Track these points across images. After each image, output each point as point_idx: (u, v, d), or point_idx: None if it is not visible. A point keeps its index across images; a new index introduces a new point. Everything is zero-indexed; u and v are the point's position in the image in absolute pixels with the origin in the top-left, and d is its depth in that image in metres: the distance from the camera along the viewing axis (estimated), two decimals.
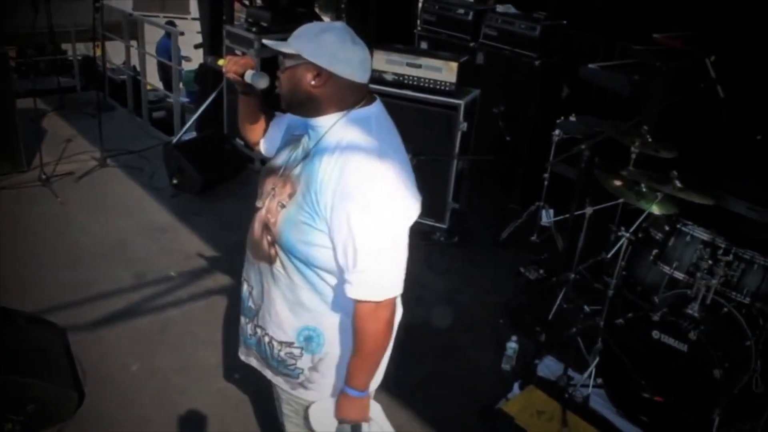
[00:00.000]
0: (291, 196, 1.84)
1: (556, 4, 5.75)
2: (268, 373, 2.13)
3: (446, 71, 4.56)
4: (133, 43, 6.99)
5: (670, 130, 4.10)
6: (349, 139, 1.81)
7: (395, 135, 1.93)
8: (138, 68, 7.16)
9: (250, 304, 2.11)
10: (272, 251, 1.92)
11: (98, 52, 7.23)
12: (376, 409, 2.03)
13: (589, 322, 3.66)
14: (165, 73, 9.06)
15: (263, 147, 2.23)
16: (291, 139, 2.02)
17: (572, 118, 4.60)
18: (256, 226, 1.98)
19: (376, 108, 1.90)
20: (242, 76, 1.99)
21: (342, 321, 1.94)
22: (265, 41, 1.94)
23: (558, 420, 3.30)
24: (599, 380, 3.49)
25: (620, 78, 4.71)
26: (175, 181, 5.44)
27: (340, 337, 1.97)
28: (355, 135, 1.81)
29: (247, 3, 6.47)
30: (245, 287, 2.13)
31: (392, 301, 1.83)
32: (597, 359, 3.50)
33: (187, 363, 3.54)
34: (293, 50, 1.80)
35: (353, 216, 1.72)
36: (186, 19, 13.16)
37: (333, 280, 1.89)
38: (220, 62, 2.06)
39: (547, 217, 4.85)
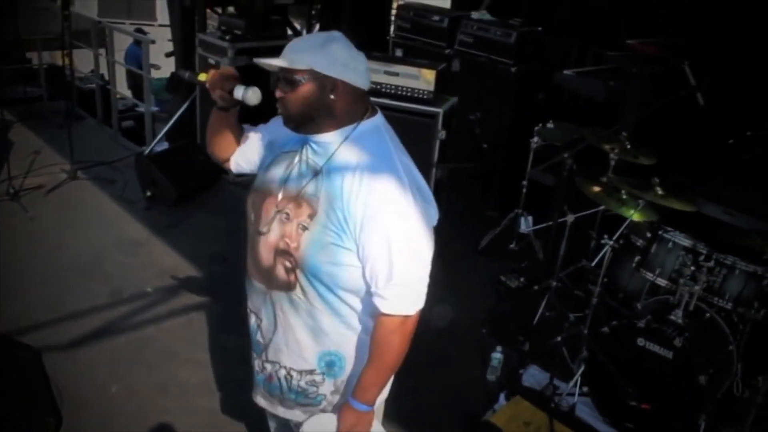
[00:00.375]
0: (312, 216, 1.77)
1: (530, 10, 5.77)
2: (280, 410, 2.07)
3: (424, 79, 4.52)
4: (102, 51, 6.82)
5: (648, 136, 4.13)
6: (368, 152, 1.77)
7: (401, 145, 1.91)
8: (107, 77, 7.02)
9: (258, 338, 2.02)
10: (291, 278, 1.84)
11: (67, 61, 7.07)
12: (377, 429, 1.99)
13: (574, 330, 3.66)
14: (134, 81, 8.89)
15: (235, 163, 2.12)
16: (280, 156, 1.93)
17: (550, 125, 4.62)
18: (264, 254, 1.88)
19: (381, 118, 1.88)
20: (230, 92, 1.89)
21: (361, 340, 1.91)
22: (258, 61, 1.82)
23: (545, 430, 3.28)
24: (585, 388, 3.49)
25: (596, 84, 4.74)
26: (148, 194, 5.33)
27: (361, 358, 1.92)
28: (372, 148, 1.78)
29: (219, 11, 6.37)
30: (253, 320, 2.03)
31: (419, 314, 1.81)
32: (582, 367, 3.50)
33: (168, 382, 3.46)
34: (303, 65, 1.73)
35: (387, 230, 1.70)
36: (152, 25, 12.99)
37: (355, 302, 1.85)
38: (202, 77, 1.94)
39: (525, 224, 4.85)
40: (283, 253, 1.82)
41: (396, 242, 1.71)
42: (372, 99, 4.54)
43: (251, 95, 1.86)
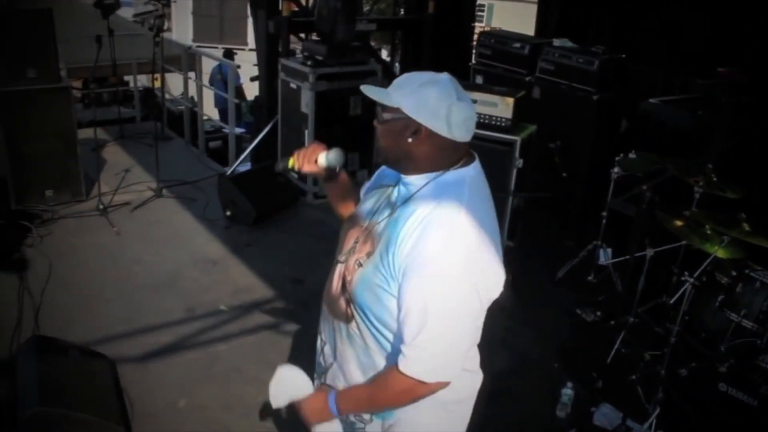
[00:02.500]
0: (369, 255, 1.74)
1: (613, 37, 5.63)
2: None
3: (502, 106, 4.48)
4: (192, 75, 7.12)
5: (736, 169, 3.92)
6: (436, 202, 1.67)
7: (488, 202, 1.79)
8: (196, 99, 7.30)
9: (321, 359, 2.01)
10: (349, 311, 1.81)
11: (157, 84, 7.42)
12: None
13: (650, 370, 3.49)
14: (221, 104, 9.23)
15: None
16: (379, 187, 1.90)
17: (632, 155, 4.46)
18: (335, 282, 1.86)
19: (474, 170, 1.75)
20: (316, 162, 1.92)
21: None
22: (364, 88, 1.77)
23: None
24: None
25: (682, 113, 4.57)
26: (228, 213, 5.48)
27: (414, 407, 1.82)
28: (443, 199, 1.67)
29: (303, 36, 6.53)
30: (319, 341, 2.02)
31: (439, 386, 1.71)
32: (658, 409, 3.32)
33: (233, 400, 3.50)
34: (394, 103, 1.68)
35: (421, 289, 1.62)
36: (243, 49, 13.46)
37: None
38: (291, 163, 1.98)
39: (604, 256, 4.68)
40: (344, 284, 1.81)
41: (428, 305, 1.62)
42: None
43: (333, 157, 1.89)
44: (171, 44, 7.48)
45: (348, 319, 1.82)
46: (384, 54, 7.61)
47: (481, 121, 4.52)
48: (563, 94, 5.21)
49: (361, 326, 1.79)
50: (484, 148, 4.51)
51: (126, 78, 9.10)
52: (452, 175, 1.72)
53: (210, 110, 8.76)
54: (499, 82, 5.33)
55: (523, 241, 4.84)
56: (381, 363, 1.81)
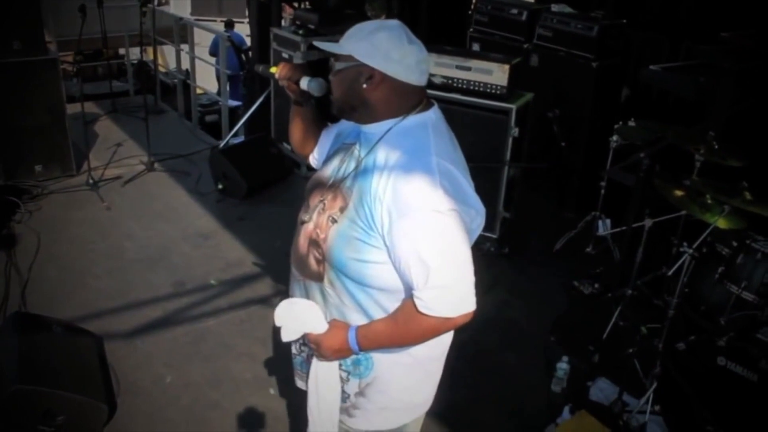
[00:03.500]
0: (342, 210, 1.71)
1: (615, 2, 5.46)
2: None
3: (497, 74, 4.34)
4: (185, 47, 6.97)
5: (738, 137, 3.80)
6: (404, 148, 1.66)
7: (453, 143, 1.77)
8: (194, 72, 7.16)
9: None
10: (321, 269, 1.78)
11: (150, 56, 7.28)
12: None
13: (648, 343, 3.40)
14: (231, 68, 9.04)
15: (314, 158, 2.11)
16: (341, 148, 1.88)
17: (631, 123, 4.33)
18: (301, 241, 1.83)
19: (434, 114, 1.75)
20: (297, 83, 1.88)
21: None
22: (315, 42, 1.82)
23: None
24: (657, 407, 3.22)
25: (685, 80, 4.41)
26: (220, 186, 5.38)
27: (389, 361, 1.82)
28: (409, 145, 1.67)
29: (295, 5, 6.37)
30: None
31: (465, 317, 1.66)
32: (655, 384, 3.23)
33: (221, 376, 3.44)
34: (345, 51, 1.68)
35: (415, 233, 1.59)
36: (242, 22, 13.25)
37: (386, 301, 1.74)
38: (273, 69, 1.95)
39: (603, 227, 4.58)
40: (314, 243, 1.77)
41: (424, 245, 1.59)
42: (442, 94, 4.44)
43: (315, 86, 1.84)
44: (163, 16, 7.31)
45: (320, 277, 1.79)
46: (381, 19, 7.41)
47: (475, 89, 4.40)
48: (562, 62, 5.06)
49: (336, 283, 1.76)
50: (479, 116, 4.41)
51: (122, 52, 8.99)
52: (413, 119, 1.71)
53: (208, 83, 8.59)
54: (496, 50, 5.18)
55: (520, 212, 4.73)
56: (354, 319, 1.78)
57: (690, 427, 3.07)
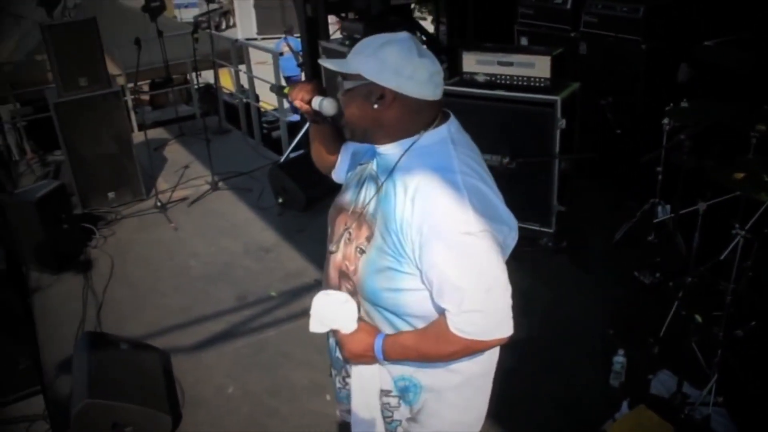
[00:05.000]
0: (369, 239, 1.64)
1: None
2: None
3: (540, 66, 4.29)
4: (242, 67, 7.21)
5: None
6: (426, 168, 1.58)
7: (474, 153, 1.70)
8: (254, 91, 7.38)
9: (338, 354, 1.90)
10: (355, 300, 1.73)
11: (225, 81, 7.50)
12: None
13: (708, 332, 3.27)
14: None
15: (335, 177, 2.04)
16: (358, 169, 1.82)
17: (684, 104, 4.17)
18: (332, 273, 1.78)
19: (452, 126, 1.67)
20: (309, 103, 1.80)
21: (438, 373, 1.76)
22: (320, 61, 1.75)
23: None
24: (721, 398, 3.10)
25: (740, 55, 4.22)
26: (280, 200, 5.53)
27: (438, 385, 1.79)
28: (432, 163, 1.59)
29: (343, 15, 6.47)
30: (330, 337, 1.93)
31: (498, 342, 1.64)
32: (716, 375, 3.11)
33: (279, 384, 3.55)
34: (352, 70, 1.60)
35: (447, 256, 1.53)
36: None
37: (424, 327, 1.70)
38: (286, 90, 1.94)
39: (663, 213, 4.42)
40: (344, 275, 1.72)
41: (459, 269, 1.54)
42: (487, 92, 4.40)
43: (326, 105, 1.75)
44: (220, 39, 7.59)
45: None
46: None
47: (519, 83, 4.35)
48: (610, 47, 4.93)
49: (372, 314, 1.72)
50: (525, 111, 4.37)
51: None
52: (430, 136, 1.63)
53: (273, 99, 8.79)
54: (544, 42, 5.12)
55: (576, 204, 4.64)
56: None
57: (755, 417, 2.93)
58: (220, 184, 5.98)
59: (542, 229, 4.59)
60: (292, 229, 5.23)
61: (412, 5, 6.62)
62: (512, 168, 4.39)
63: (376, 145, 1.69)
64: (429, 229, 1.53)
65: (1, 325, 4.51)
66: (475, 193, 1.56)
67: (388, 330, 1.71)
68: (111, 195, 5.60)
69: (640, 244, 4.49)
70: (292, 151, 6.32)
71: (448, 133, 1.65)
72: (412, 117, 1.62)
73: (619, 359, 3.37)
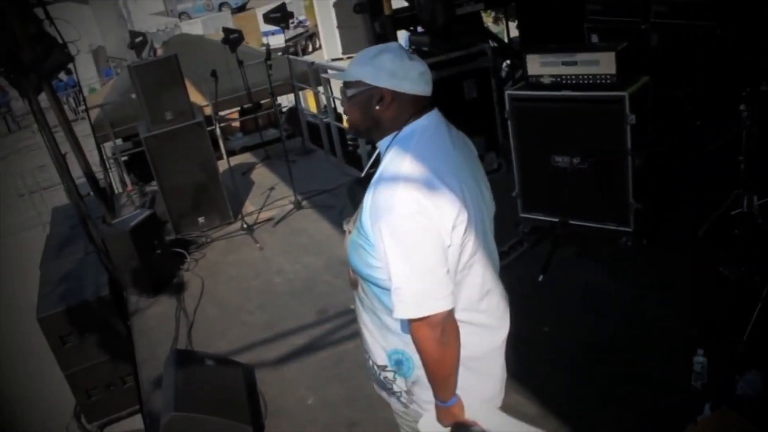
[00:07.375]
0: (355, 221, 1.88)
1: None
2: (384, 395, 2.12)
3: (605, 62, 4.20)
4: (321, 88, 7.43)
5: None
6: (390, 157, 1.81)
7: (443, 145, 1.84)
8: (334, 110, 7.58)
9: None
10: (354, 276, 1.96)
11: (311, 104, 7.74)
12: (495, 417, 1.94)
13: None
14: None
15: None
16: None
17: (764, 88, 3.96)
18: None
19: (425, 120, 1.84)
20: None
21: None
22: (326, 74, 2.00)
23: None
24: None
25: None
26: None
27: None
28: (394, 154, 1.81)
29: (411, 29, 6.56)
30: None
31: (436, 320, 1.72)
32: None
33: (357, 394, 3.64)
34: (353, 77, 1.82)
35: (382, 235, 1.71)
36: None
37: None
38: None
39: (747, 205, 4.20)
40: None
41: (389, 248, 1.70)
42: (554, 93, 4.34)
43: None
44: (298, 63, 7.84)
45: (355, 284, 1.95)
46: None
47: (585, 81, 4.28)
48: (683, 35, 4.76)
49: (365, 288, 1.90)
50: (593, 109, 4.29)
51: (279, 100, 9.70)
52: (406, 130, 1.82)
53: None
54: (615, 37, 4.98)
55: (656, 200, 4.49)
56: (387, 320, 1.88)
57: None
58: (304, 202, 6.19)
59: (620, 228, 4.47)
60: None
61: (483, 12, 6.57)
62: (584, 168, 4.31)
63: (375, 141, 1.90)
64: (373, 211, 1.73)
65: (109, 348, 4.91)
66: (416, 178, 1.72)
67: (377, 304, 1.87)
68: (201, 220, 5.93)
69: (725, 238, 4.29)
70: (372, 165, 6.46)
71: (419, 126, 1.83)
72: (401, 112, 1.82)
73: (699, 359, 3.24)
